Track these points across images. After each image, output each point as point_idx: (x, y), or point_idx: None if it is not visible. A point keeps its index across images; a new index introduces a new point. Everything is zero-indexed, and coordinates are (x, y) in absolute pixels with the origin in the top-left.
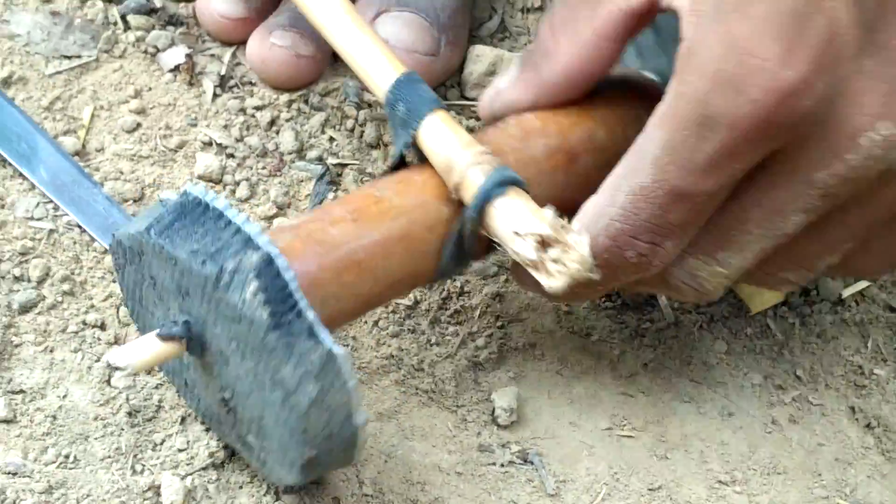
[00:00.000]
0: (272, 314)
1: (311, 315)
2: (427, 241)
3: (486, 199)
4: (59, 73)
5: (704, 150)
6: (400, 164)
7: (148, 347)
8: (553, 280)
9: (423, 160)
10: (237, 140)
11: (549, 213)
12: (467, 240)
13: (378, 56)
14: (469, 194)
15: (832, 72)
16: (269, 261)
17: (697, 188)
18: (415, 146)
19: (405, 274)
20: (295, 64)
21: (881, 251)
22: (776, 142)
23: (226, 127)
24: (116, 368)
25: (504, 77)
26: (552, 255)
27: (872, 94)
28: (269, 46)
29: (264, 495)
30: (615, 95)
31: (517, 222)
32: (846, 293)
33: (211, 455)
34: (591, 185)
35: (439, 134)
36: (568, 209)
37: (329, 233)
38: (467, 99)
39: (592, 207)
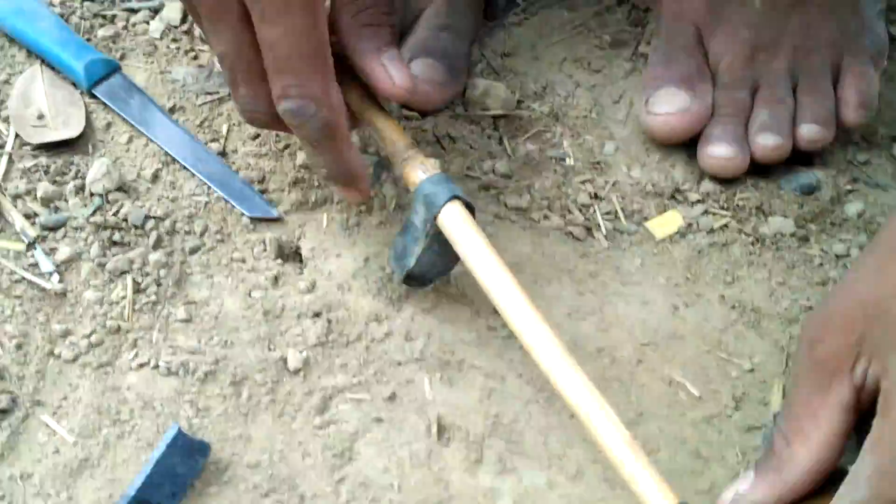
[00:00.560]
0: None
1: None
2: None
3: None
4: (205, 103)
5: None
6: None
7: None
8: None
9: None
10: None
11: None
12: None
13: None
14: None
15: None
16: None
17: None
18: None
19: None
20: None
21: None
22: None
23: None
24: None
25: (744, 481)
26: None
27: None
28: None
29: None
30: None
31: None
32: (717, 224)
33: (317, 337)
34: None
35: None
36: None
37: None
38: (466, 110)
39: None
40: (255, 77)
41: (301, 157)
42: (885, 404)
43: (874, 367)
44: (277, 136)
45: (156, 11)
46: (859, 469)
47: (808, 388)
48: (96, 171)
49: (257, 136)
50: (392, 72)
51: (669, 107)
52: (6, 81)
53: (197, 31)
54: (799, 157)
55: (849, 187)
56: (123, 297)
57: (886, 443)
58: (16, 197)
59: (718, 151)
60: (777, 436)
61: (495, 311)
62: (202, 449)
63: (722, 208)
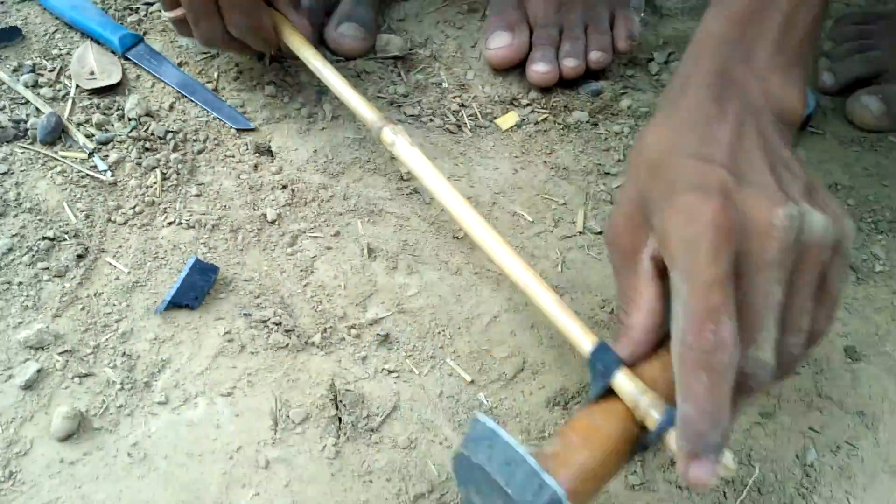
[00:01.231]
0: None
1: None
2: (626, 449)
3: (662, 431)
4: (201, 59)
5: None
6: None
7: None
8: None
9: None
10: None
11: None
12: (646, 445)
13: (577, 327)
14: (651, 424)
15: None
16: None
17: (710, 274)
18: (609, 389)
19: (616, 471)
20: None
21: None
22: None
23: None
24: None
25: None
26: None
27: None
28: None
29: (314, 214)
30: None
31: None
32: (539, 118)
33: (286, 200)
34: None
35: (625, 384)
36: None
37: (576, 460)
38: (376, 55)
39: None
40: (211, 14)
41: (268, 89)
42: (669, 259)
43: (655, 233)
44: (251, 76)
45: None
46: (675, 314)
47: (624, 273)
48: (131, 104)
49: (237, 77)
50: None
51: (499, 43)
52: (68, 53)
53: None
54: (590, 74)
55: (622, 91)
56: (154, 183)
57: (679, 288)
58: (79, 124)
59: (539, 68)
60: (620, 313)
61: (403, 177)
62: (213, 269)
63: (542, 108)
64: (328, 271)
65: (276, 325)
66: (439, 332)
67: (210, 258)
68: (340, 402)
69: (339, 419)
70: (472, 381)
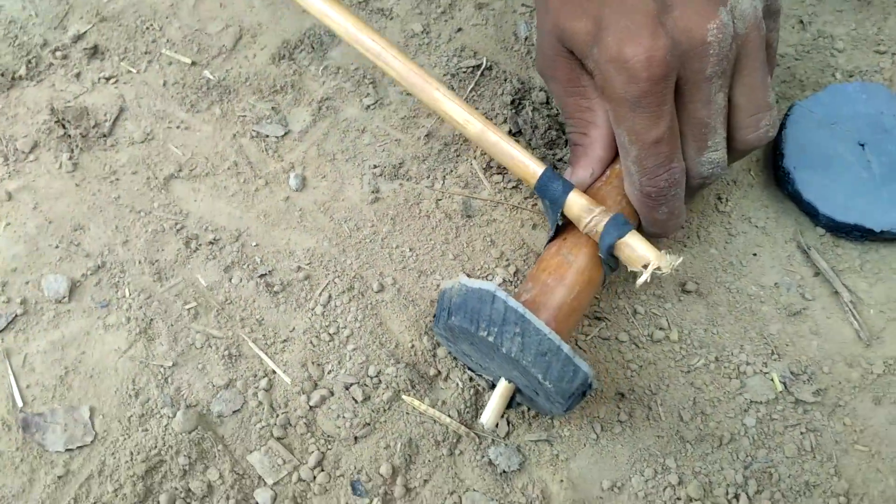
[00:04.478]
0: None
1: (566, 348)
2: (598, 276)
3: (610, 243)
4: None
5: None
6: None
7: (500, 396)
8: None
9: (568, 223)
10: None
11: (654, 252)
12: (613, 268)
13: (524, 157)
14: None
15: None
16: (514, 312)
17: (655, 135)
18: (563, 216)
19: (591, 297)
20: None
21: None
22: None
23: None
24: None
25: (566, 175)
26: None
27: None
28: None
29: None
30: None
31: (642, 257)
32: None
33: None
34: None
35: (575, 204)
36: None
37: (554, 298)
38: None
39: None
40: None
41: None
42: (613, 116)
43: (594, 73)
44: None
45: None
46: (627, 167)
47: (570, 100)
48: None
49: None
50: None
51: None
52: None
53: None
54: None
55: None
56: None
57: (628, 148)
58: None
59: None
60: (573, 136)
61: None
62: None
63: None
64: (14, 5)
65: None
66: (147, 28)
67: None
68: (65, 120)
69: (68, 135)
70: (194, 63)
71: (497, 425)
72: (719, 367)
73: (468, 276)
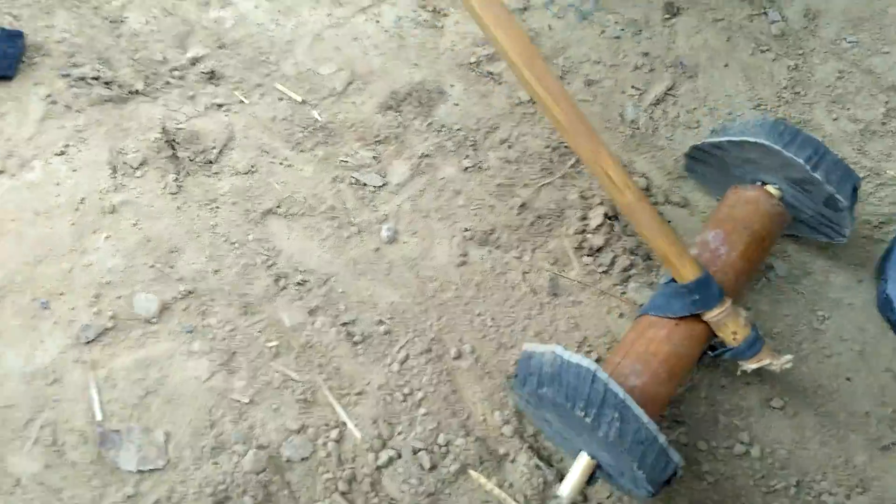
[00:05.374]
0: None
1: (662, 439)
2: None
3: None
4: None
5: None
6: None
7: (581, 470)
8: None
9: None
10: None
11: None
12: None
13: (675, 250)
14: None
15: None
16: (614, 395)
17: None
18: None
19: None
20: None
21: None
22: None
23: None
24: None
25: None
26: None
27: None
28: None
29: None
30: None
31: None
32: None
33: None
34: None
35: (723, 318)
36: None
37: (663, 390)
38: None
39: None
40: None
41: None
42: None
43: None
44: None
45: None
46: None
47: None
48: None
49: None
50: None
51: None
52: None
53: None
54: None
55: None
56: None
57: None
58: None
59: None
60: None
61: None
62: (19, 35)
63: None
64: (139, 18)
65: (96, 79)
66: (263, 60)
67: (17, 26)
68: (174, 141)
69: (176, 157)
70: (304, 101)
71: (573, 499)
72: (800, 492)
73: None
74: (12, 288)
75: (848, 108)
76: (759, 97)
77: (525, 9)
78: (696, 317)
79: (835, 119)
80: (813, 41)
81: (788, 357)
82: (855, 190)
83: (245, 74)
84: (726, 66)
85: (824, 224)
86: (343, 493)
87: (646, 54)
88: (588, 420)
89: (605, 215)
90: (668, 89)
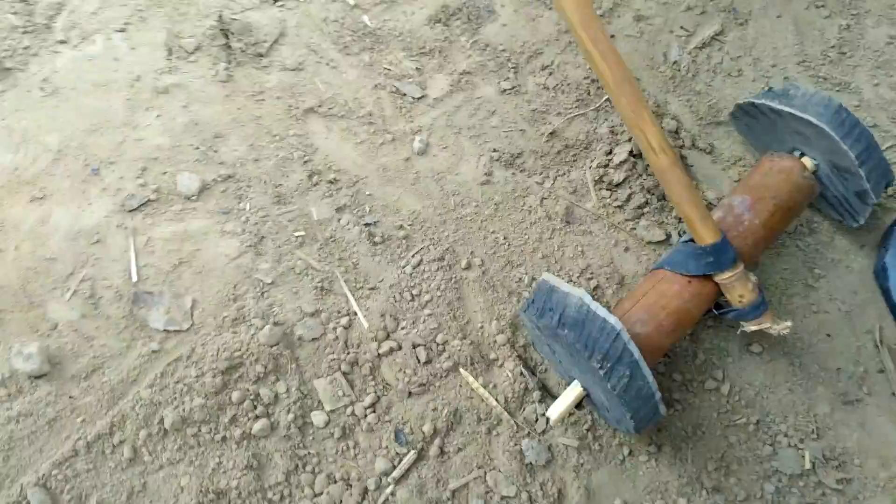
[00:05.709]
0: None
1: (658, 396)
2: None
3: (745, 319)
4: None
5: None
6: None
7: (572, 398)
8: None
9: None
10: None
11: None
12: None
13: (699, 212)
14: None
15: None
16: (630, 355)
17: None
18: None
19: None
20: None
21: None
22: None
23: None
24: (547, 417)
25: None
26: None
27: None
28: None
29: None
30: None
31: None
32: None
33: None
34: None
35: (733, 282)
36: None
37: (666, 342)
38: None
39: None
40: None
41: None
42: None
43: None
44: None
45: None
46: None
47: None
48: None
49: None
50: None
51: None
52: None
53: None
54: None
55: None
56: None
57: None
58: None
59: None
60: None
61: None
62: None
63: None
64: None
65: None
66: None
67: None
68: (229, 31)
69: (229, 46)
70: (356, 5)
71: (560, 422)
72: (758, 430)
73: (580, 287)
74: (67, 152)
75: (892, 76)
76: (806, 53)
77: None
78: (708, 277)
79: (876, 84)
80: (870, 2)
81: (788, 324)
82: (887, 186)
83: None
84: (779, 17)
85: (844, 208)
86: (344, 374)
87: None
88: (601, 371)
89: (630, 152)
90: (717, 34)
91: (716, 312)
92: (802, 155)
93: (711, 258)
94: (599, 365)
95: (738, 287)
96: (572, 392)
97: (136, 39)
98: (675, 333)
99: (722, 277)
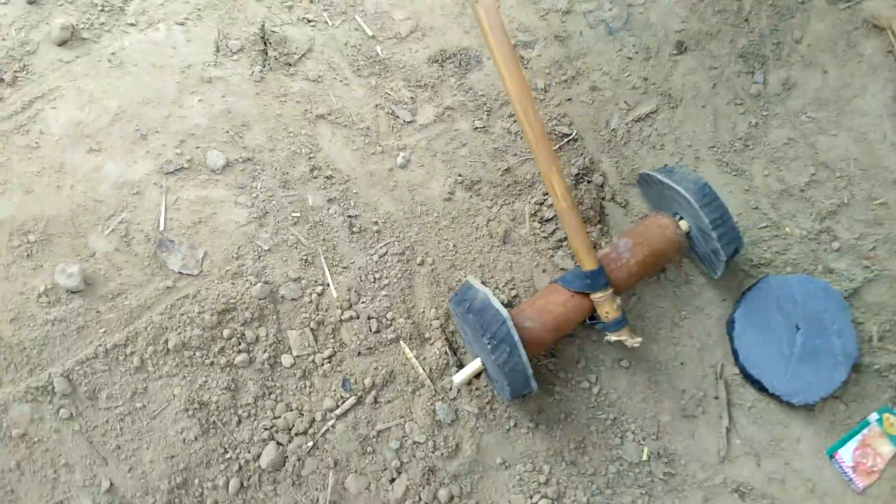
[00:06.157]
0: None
1: (530, 373)
2: (575, 322)
3: (609, 330)
4: None
5: None
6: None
7: (473, 369)
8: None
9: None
10: None
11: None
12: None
13: (584, 247)
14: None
15: None
16: (511, 338)
17: None
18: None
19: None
20: None
21: None
22: None
23: None
24: (452, 381)
25: None
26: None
27: None
28: None
29: None
30: None
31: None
32: None
33: None
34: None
35: (605, 297)
36: None
37: (546, 338)
38: None
39: None
40: None
41: None
42: None
43: None
44: None
45: None
46: None
47: None
48: None
49: None
50: None
51: None
52: None
53: None
54: None
55: None
56: None
57: None
58: None
59: None
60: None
61: None
62: None
63: None
64: None
65: None
66: None
67: None
68: (268, 40)
69: (266, 53)
70: (373, 36)
71: (459, 389)
72: (614, 424)
73: (489, 288)
74: (123, 117)
75: (780, 170)
76: (717, 140)
77: (568, 11)
78: (586, 294)
79: (766, 175)
80: (779, 108)
81: (639, 339)
82: (736, 251)
83: (338, 1)
84: (703, 107)
85: (707, 262)
86: (312, 330)
87: (645, 79)
88: (489, 346)
89: None
90: (651, 112)
91: (589, 322)
92: (681, 218)
93: (589, 281)
94: (489, 342)
95: (606, 305)
96: (473, 365)
97: (193, 33)
98: (556, 332)
99: (595, 296)
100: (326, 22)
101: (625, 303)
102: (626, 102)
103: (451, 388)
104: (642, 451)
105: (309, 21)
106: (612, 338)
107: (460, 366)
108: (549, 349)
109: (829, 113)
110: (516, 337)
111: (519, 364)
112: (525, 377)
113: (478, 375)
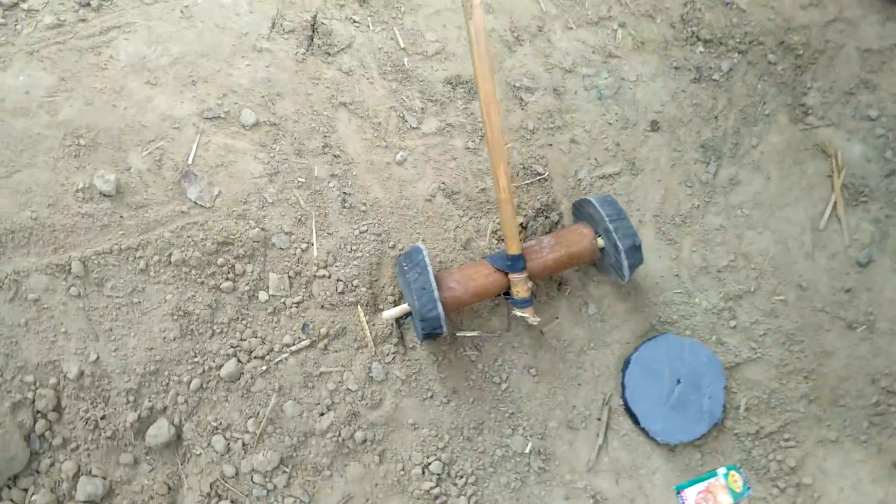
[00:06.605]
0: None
1: (440, 307)
2: (494, 295)
3: (518, 306)
4: None
5: None
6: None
7: (401, 309)
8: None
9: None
10: None
11: (531, 313)
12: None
13: (512, 232)
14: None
15: None
16: (425, 267)
17: None
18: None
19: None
20: None
21: None
22: None
23: None
24: (382, 315)
25: None
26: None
27: None
28: None
29: None
30: None
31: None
32: None
33: None
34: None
35: (519, 278)
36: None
37: (464, 300)
38: None
39: None
40: None
41: None
42: None
43: None
44: None
45: None
46: None
47: None
48: None
49: None
50: None
51: None
52: None
53: None
54: None
55: None
56: None
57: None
58: None
59: None
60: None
61: None
62: None
63: None
64: None
65: None
66: (398, 7)
67: None
68: (316, 29)
69: (312, 39)
70: (404, 48)
71: (388, 321)
72: (510, 418)
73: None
74: (180, 62)
75: (706, 250)
76: (661, 210)
77: (570, 71)
78: (506, 273)
79: (693, 251)
80: (721, 199)
81: (538, 319)
82: (634, 246)
83: (383, 11)
84: (659, 181)
85: (616, 267)
86: (290, 277)
87: (618, 144)
88: (407, 269)
89: (521, 224)
90: (615, 173)
91: (503, 296)
92: (599, 235)
93: (510, 262)
94: (408, 266)
95: (519, 286)
96: (403, 305)
97: (255, 7)
98: (475, 297)
99: (512, 276)
100: (369, 26)
101: (546, 323)
102: (596, 160)
103: (381, 322)
104: (527, 445)
105: (354, 21)
106: (518, 313)
107: (400, 337)
108: (479, 345)
109: (762, 213)
110: (429, 265)
111: (428, 283)
112: (433, 300)
113: (405, 317)
